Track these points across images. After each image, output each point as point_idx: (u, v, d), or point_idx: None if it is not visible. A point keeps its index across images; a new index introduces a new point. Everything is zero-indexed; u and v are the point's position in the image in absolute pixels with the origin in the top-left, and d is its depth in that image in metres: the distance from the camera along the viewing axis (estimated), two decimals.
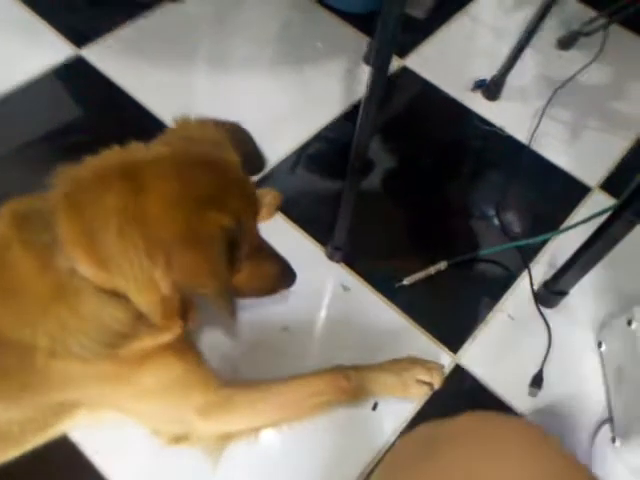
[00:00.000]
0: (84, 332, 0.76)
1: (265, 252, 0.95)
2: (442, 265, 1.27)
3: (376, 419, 1.12)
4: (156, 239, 0.71)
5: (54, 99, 1.51)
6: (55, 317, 0.75)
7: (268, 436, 1.06)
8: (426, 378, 1.11)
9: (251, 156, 0.92)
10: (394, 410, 1.12)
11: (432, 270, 1.26)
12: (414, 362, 1.13)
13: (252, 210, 0.85)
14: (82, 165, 0.76)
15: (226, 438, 1.00)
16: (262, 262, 0.93)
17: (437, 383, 1.12)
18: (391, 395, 1.11)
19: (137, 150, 0.78)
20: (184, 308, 0.84)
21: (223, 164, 0.80)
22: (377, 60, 0.92)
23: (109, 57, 1.55)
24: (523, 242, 1.31)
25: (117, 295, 0.75)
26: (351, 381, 1.06)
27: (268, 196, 1.30)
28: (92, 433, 1.04)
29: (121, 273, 0.72)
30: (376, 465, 1.07)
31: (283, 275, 1.00)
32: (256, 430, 1.03)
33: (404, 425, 1.11)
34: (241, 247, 0.80)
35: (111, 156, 0.77)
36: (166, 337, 0.86)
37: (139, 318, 0.79)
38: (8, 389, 0.81)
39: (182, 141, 0.80)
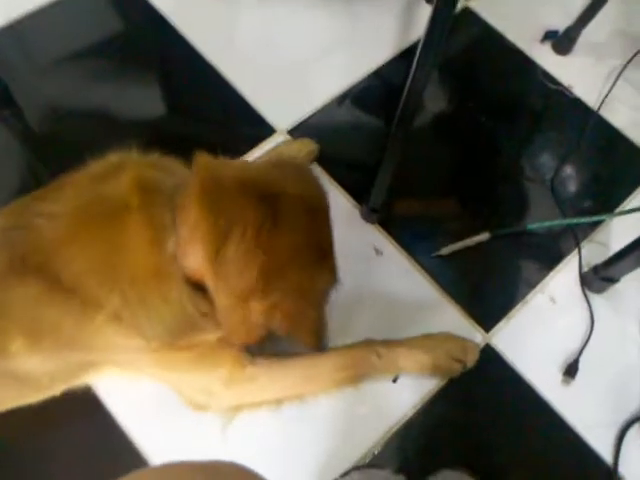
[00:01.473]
0: (161, 314, 0.78)
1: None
2: (484, 236, 1.18)
3: (396, 392, 1.07)
4: (270, 277, 0.75)
5: (95, 14, 1.43)
6: (140, 289, 0.76)
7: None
8: (460, 356, 1.06)
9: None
10: (415, 385, 1.07)
11: (473, 241, 1.18)
12: (448, 339, 1.08)
13: None
14: (220, 165, 0.80)
15: (246, 407, 0.99)
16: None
17: (470, 362, 1.07)
18: (421, 372, 1.06)
19: (272, 177, 0.80)
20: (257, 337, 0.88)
21: (326, 205, 0.85)
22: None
23: None
24: (575, 220, 1.21)
25: (201, 291, 0.78)
26: (381, 357, 1.02)
27: (304, 147, 1.22)
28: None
29: (224, 282, 0.75)
30: (390, 438, 1.03)
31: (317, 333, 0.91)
32: (278, 402, 1.00)
33: (424, 401, 1.07)
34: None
35: (249, 172, 0.80)
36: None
37: (212, 316, 0.80)
38: (54, 343, 0.80)
39: (296, 178, 0.83)
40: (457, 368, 1.06)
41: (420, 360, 1.05)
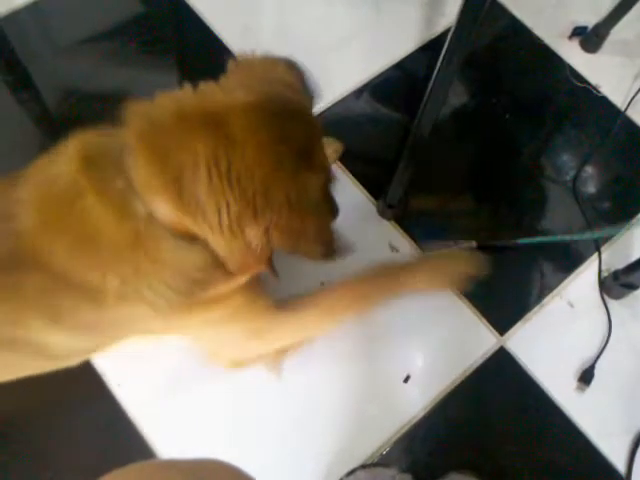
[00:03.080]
0: (161, 278, 0.73)
1: None
2: (471, 244, 1.17)
3: (406, 392, 1.06)
4: (255, 201, 0.68)
5: None
6: (130, 262, 0.71)
7: (292, 397, 1.03)
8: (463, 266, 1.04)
9: (307, 95, 0.84)
10: (426, 386, 1.06)
11: (460, 248, 1.17)
12: (449, 255, 1.10)
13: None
14: (155, 104, 0.71)
15: (280, 353, 0.99)
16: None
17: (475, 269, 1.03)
18: (431, 287, 1.05)
19: (216, 94, 0.72)
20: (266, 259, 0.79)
21: (303, 110, 0.75)
22: None
23: None
24: (598, 234, 1.18)
25: (195, 241, 0.72)
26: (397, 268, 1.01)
27: (329, 147, 1.19)
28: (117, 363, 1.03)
29: (207, 222, 0.69)
30: (399, 438, 1.02)
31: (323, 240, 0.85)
32: (308, 338, 1.01)
33: (434, 402, 1.05)
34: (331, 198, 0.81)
35: (188, 99, 0.72)
36: (240, 281, 0.82)
37: (217, 265, 0.75)
38: (78, 324, 0.77)
39: (258, 85, 0.73)
40: (462, 277, 1.03)
41: (426, 275, 1.03)
